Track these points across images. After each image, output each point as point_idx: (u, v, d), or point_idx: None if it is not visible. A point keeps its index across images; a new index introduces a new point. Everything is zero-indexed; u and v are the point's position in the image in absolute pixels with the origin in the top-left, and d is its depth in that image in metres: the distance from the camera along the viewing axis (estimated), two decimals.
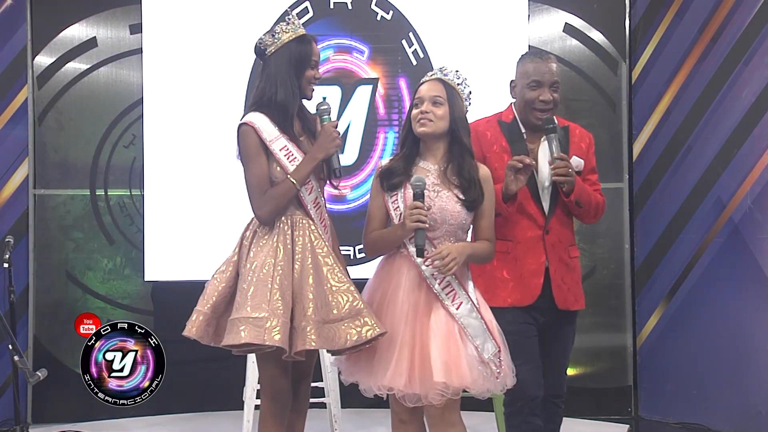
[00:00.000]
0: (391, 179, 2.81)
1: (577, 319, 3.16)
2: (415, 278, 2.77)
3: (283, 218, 2.86)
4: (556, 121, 3.00)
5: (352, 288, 2.81)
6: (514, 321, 2.96)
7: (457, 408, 2.74)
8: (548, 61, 3.02)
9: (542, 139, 3.02)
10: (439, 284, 2.74)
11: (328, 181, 3.00)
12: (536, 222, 3.01)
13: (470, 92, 2.90)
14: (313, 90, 2.95)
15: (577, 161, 3.00)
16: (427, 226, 2.71)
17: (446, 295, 2.74)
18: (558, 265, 3.01)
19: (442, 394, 2.64)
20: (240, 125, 2.88)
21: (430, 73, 2.88)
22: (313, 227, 2.87)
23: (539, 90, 2.99)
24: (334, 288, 2.78)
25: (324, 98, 2.92)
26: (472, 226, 2.86)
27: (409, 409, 2.76)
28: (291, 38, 2.88)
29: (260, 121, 2.86)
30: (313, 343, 2.71)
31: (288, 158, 2.84)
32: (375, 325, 2.73)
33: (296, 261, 2.80)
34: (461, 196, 2.77)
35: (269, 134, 2.84)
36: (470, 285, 2.81)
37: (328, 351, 2.93)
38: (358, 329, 2.74)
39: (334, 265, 2.83)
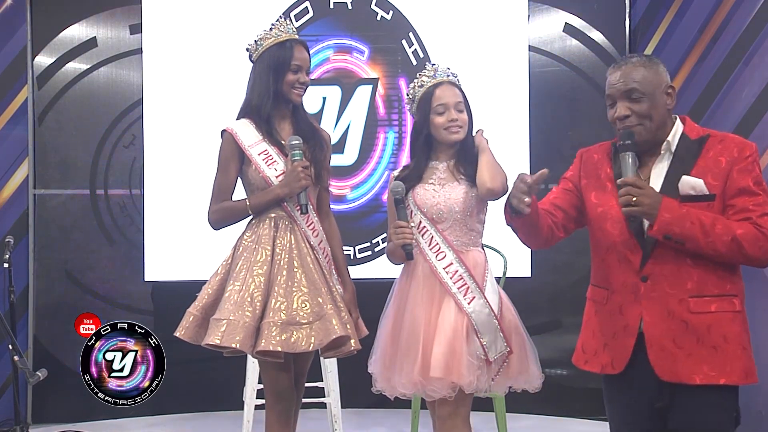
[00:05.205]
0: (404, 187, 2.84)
1: (730, 400, 2.42)
2: (428, 271, 2.80)
3: (267, 220, 2.88)
4: (633, 137, 2.31)
5: (323, 290, 2.81)
6: (618, 405, 2.52)
7: (461, 414, 2.73)
8: (620, 68, 2.35)
9: (628, 159, 2.30)
10: (451, 278, 2.75)
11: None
12: (632, 265, 2.35)
13: None
14: (300, 94, 2.93)
15: (692, 183, 2.28)
16: (412, 242, 2.76)
17: (458, 289, 2.75)
18: (664, 323, 2.30)
19: (437, 390, 2.66)
20: (222, 131, 2.93)
21: (434, 74, 2.87)
22: (296, 230, 2.88)
23: (614, 107, 2.36)
24: (304, 290, 2.80)
25: (296, 136, 2.86)
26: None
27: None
28: (272, 44, 2.91)
29: (241, 127, 2.91)
30: (277, 346, 2.72)
31: (267, 162, 2.87)
32: (338, 330, 2.75)
33: (274, 262, 2.82)
34: (467, 182, 2.81)
35: (249, 140, 2.88)
36: (489, 281, 2.80)
37: (321, 355, 2.95)
38: (320, 334, 2.76)
39: (311, 266, 2.84)
